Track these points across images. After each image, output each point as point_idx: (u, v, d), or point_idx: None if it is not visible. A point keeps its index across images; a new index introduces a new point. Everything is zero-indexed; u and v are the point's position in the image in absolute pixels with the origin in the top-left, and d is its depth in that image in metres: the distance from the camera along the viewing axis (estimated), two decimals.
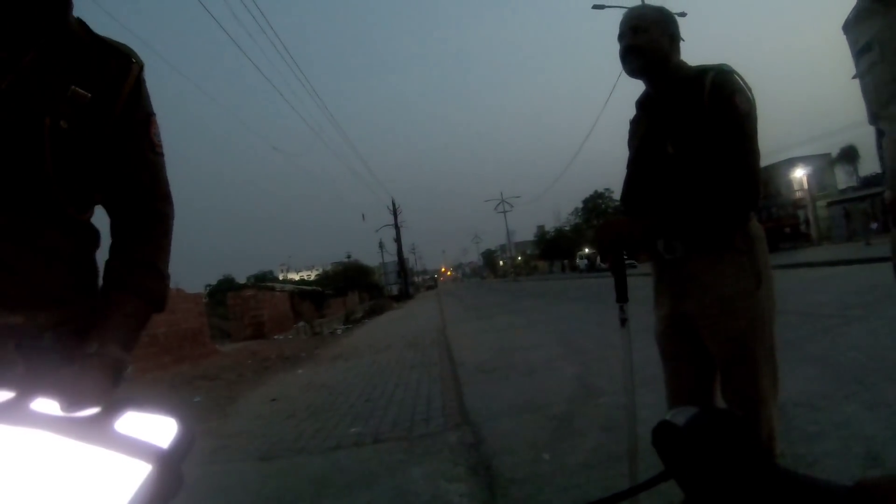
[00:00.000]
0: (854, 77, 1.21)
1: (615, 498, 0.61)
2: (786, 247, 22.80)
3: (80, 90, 0.80)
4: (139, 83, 0.89)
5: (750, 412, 1.31)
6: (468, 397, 4.08)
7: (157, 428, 0.51)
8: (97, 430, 0.48)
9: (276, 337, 14.64)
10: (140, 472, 0.47)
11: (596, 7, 18.25)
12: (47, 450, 0.46)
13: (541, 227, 68.06)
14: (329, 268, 59.41)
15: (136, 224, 0.88)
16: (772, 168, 30.71)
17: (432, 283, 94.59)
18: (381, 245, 61.83)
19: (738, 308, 1.34)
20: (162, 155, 0.93)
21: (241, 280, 46.60)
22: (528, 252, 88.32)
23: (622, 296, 1.46)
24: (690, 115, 1.36)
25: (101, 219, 0.91)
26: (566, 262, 53.42)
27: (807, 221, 27.23)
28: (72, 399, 0.52)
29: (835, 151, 38.27)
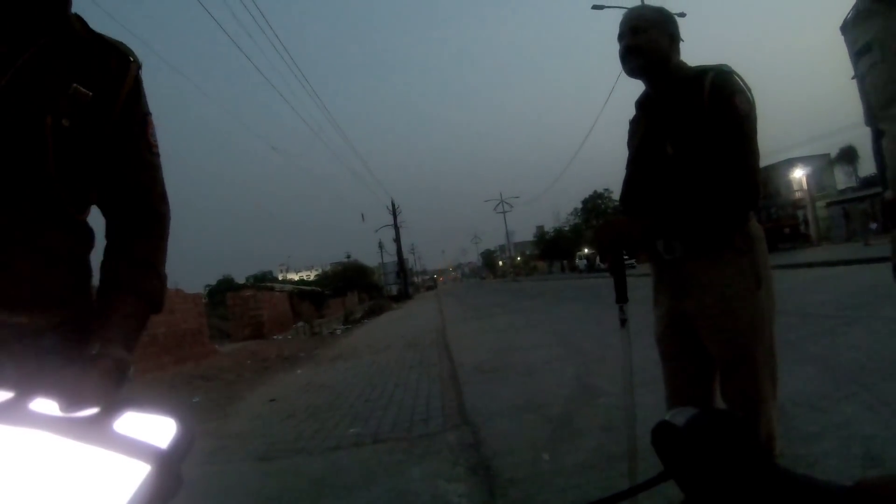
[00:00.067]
0: (853, 78, 1.21)
1: (614, 498, 0.61)
2: (785, 247, 22.81)
3: (81, 88, 0.79)
4: (138, 83, 0.88)
5: (750, 412, 1.32)
6: (468, 397, 4.07)
7: (156, 428, 0.51)
8: (96, 431, 0.48)
9: (275, 337, 14.63)
10: (139, 472, 0.47)
11: (595, 7, 18.26)
12: (46, 450, 0.46)
13: (540, 228, 68.05)
14: (328, 268, 59.41)
15: (135, 225, 0.88)
16: (771, 168, 30.72)
17: (432, 284, 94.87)
18: (380, 245, 61.91)
19: (737, 308, 1.34)
20: (158, 155, 0.92)
21: (241, 280, 46.58)
22: (528, 252, 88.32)
23: (622, 296, 1.46)
24: (690, 116, 1.36)
25: (94, 219, 0.90)
26: (565, 262, 53.43)
27: (805, 222, 27.25)
28: (71, 399, 0.52)
29: (834, 152, 38.41)
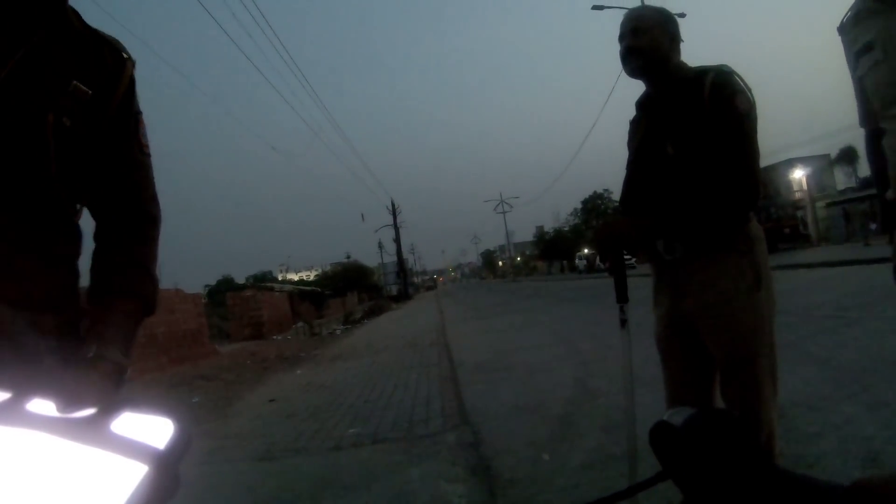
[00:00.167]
0: (856, 77, 1.21)
1: (613, 498, 0.61)
2: (785, 247, 22.79)
3: (81, 86, 0.77)
4: (132, 81, 0.86)
5: (749, 412, 1.31)
6: (467, 398, 4.07)
7: (153, 429, 0.51)
8: (93, 431, 0.48)
9: (275, 337, 14.63)
10: (136, 473, 0.46)
11: (595, 8, 18.27)
12: (43, 450, 0.46)
13: (540, 228, 68.04)
14: (328, 268, 59.35)
15: (127, 226, 0.86)
16: (771, 169, 30.72)
17: (432, 284, 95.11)
18: (380, 245, 61.89)
19: (738, 309, 1.34)
20: (149, 156, 0.90)
21: (241, 280, 46.52)
22: (527, 252, 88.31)
23: (622, 296, 1.46)
24: (690, 116, 1.36)
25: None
26: (565, 262, 53.41)
27: (805, 222, 27.25)
28: (69, 400, 0.52)
29: (834, 152, 38.40)
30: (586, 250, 39.19)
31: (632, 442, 1.42)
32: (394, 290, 52.83)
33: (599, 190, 48.59)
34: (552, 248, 56.33)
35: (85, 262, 0.85)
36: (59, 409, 0.51)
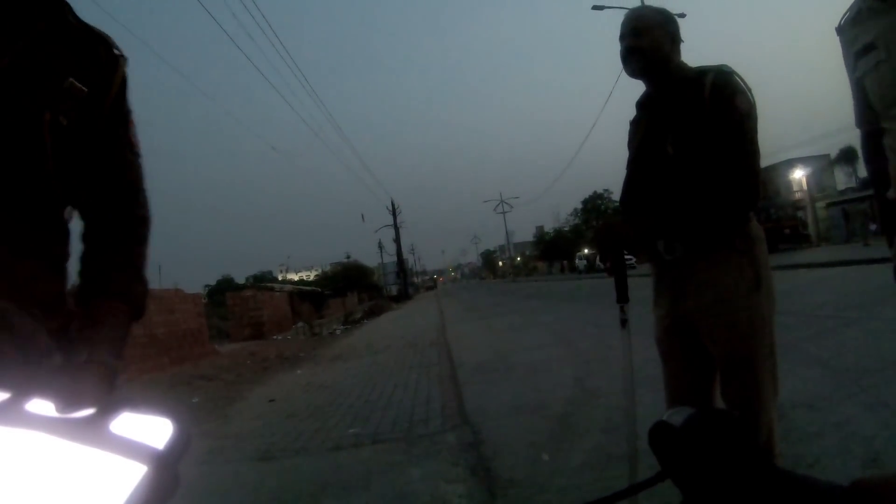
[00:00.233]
0: (854, 77, 1.20)
1: (613, 498, 0.61)
2: (785, 247, 22.80)
3: (77, 84, 0.76)
4: (125, 79, 0.84)
5: (749, 413, 1.31)
6: (467, 398, 4.07)
7: (152, 429, 0.51)
8: (92, 431, 0.48)
9: (275, 337, 14.63)
10: (135, 473, 0.46)
11: (596, 8, 18.27)
12: (42, 451, 0.46)
13: (540, 228, 68.08)
14: (328, 268, 59.37)
15: (119, 227, 0.84)
16: (771, 169, 30.72)
17: (431, 284, 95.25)
18: (380, 245, 61.86)
19: (737, 309, 1.34)
20: (140, 156, 0.89)
21: (241, 280, 46.62)
22: (527, 253, 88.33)
23: (622, 296, 1.46)
24: (690, 116, 1.36)
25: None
26: (565, 262, 53.44)
27: (805, 222, 27.26)
28: (68, 400, 0.52)
29: (834, 152, 38.37)
30: (586, 250, 39.21)
31: (632, 442, 1.42)
32: (394, 290, 52.85)
33: (599, 190, 48.66)
34: (552, 249, 56.35)
35: (71, 264, 0.83)
36: (58, 410, 0.51)
